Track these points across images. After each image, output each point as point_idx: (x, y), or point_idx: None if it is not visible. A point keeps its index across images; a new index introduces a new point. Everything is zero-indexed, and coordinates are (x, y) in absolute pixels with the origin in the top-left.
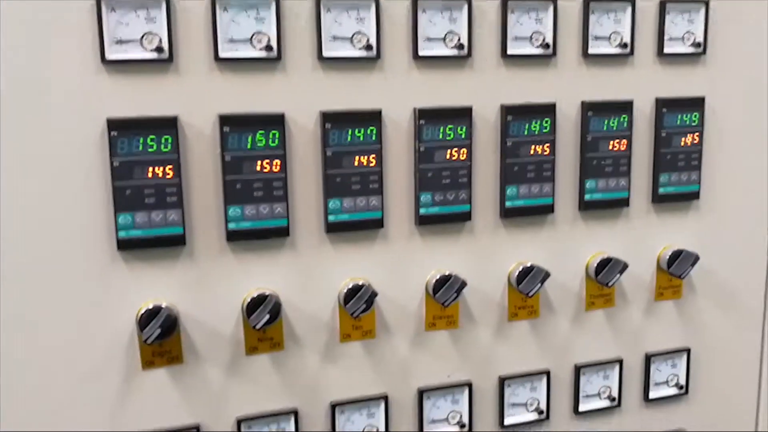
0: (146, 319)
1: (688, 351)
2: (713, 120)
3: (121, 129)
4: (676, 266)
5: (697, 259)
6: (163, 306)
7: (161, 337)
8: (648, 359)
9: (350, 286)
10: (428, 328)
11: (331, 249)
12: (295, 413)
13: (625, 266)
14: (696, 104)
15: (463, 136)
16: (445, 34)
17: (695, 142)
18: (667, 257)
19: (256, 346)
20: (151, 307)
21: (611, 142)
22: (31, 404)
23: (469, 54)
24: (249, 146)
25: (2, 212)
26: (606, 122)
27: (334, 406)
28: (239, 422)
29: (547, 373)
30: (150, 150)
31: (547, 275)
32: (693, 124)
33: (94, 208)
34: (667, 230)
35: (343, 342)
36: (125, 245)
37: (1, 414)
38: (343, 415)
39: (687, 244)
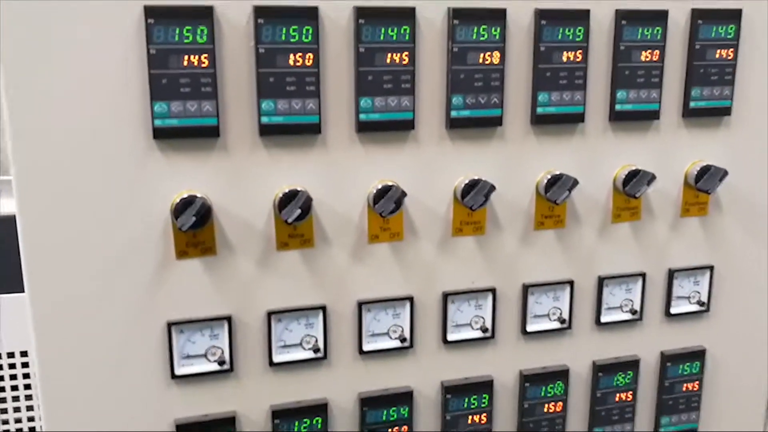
0: (181, 207)
1: (712, 268)
2: (750, 34)
3: (157, 17)
4: (704, 182)
5: (725, 174)
6: (197, 195)
7: (195, 226)
8: (671, 275)
9: (379, 187)
10: (455, 234)
11: (361, 149)
12: (323, 309)
13: (653, 178)
14: (733, 16)
15: (497, 37)
16: None
17: (729, 57)
18: (695, 172)
19: (287, 242)
20: (185, 196)
21: (644, 53)
22: (63, 291)
23: None
24: (283, 38)
25: (41, 98)
26: (640, 31)
27: (360, 305)
28: (269, 315)
29: (571, 283)
30: (186, 40)
31: (575, 183)
32: (729, 37)
33: (131, 96)
34: (697, 145)
35: (371, 243)
36: (161, 134)
37: (32, 298)
38: (369, 314)
39: (716, 160)
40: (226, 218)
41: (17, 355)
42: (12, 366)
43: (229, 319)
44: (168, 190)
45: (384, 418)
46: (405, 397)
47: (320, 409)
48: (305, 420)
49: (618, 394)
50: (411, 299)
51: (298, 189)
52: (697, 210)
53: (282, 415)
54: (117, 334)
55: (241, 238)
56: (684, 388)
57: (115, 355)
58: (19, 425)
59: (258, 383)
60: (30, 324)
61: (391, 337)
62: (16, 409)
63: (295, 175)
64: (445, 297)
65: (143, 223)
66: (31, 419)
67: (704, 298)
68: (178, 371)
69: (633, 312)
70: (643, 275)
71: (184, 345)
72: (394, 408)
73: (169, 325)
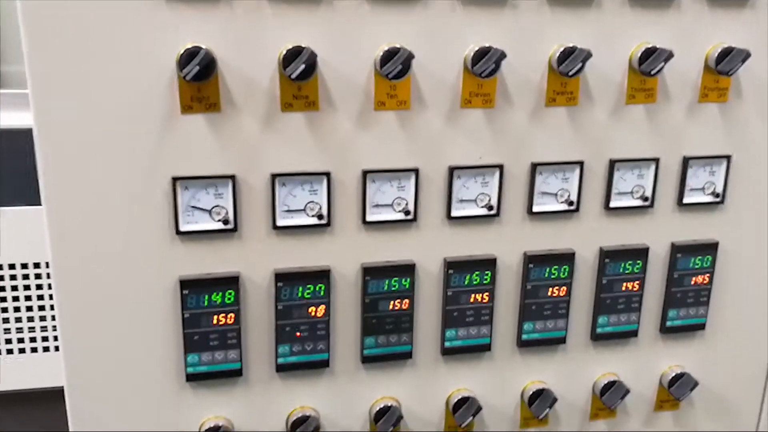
0: (186, 58)
1: (728, 158)
2: None
3: None
4: (725, 63)
5: (747, 56)
6: (202, 47)
7: (200, 77)
8: (685, 162)
9: (387, 49)
10: (464, 105)
11: (368, 10)
12: (328, 175)
13: (670, 55)
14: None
15: None
16: None
17: None
18: (716, 54)
19: (292, 102)
20: (190, 47)
21: None
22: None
23: None
24: None
25: None
26: None
27: (365, 174)
28: (273, 177)
29: (581, 164)
30: None
31: (588, 55)
32: None
33: None
34: (719, 26)
35: (377, 110)
36: None
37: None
38: (374, 184)
39: (739, 43)
40: (231, 74)
41: (18, 267)
42: (13, 278)
43: (233, 178)
44: (174, 42)
45: (386, 288)
46: (407, 270)
47: (323, 275)
48: (308, 286)
49: (625, 283)
50: (416, 171)
51: (303, 45)
52: (716, 95)
53: (285, 279)
54: (122, 190)
55: (246, 96)
56: (693, 282)
57: (121, 210)
58: (20, 335)
59: (261, 246)
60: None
61: (395, 210)
62: (18, 320)
63: (301, 34)
64: (451, 171)
65: (149, 75)
66: (31, 329)
67: (719, 189)
68: (183, 227)
69: (644, 199)
70: (656, 161)
71: (189, 202)
72: (396, 279)
73: (174, 180)
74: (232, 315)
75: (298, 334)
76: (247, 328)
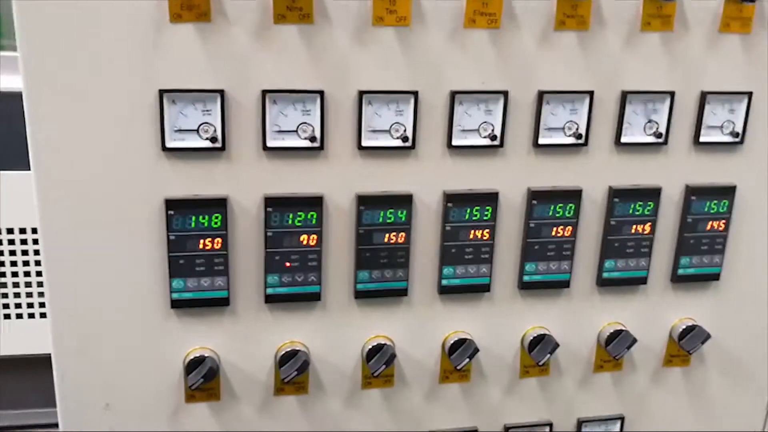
0: None
1: (750, 95)
2: None
3: None
4: None
5: None
6: None
7: None
8: (703, 98)
9: None
10: (467, 25)
11: None
12: (321, 95)
13: None
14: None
15: None
16: None
17: None
18: None
19: (285, 14)
20: None
21: None
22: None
23: None
24: None
25: None
26: None
27: (361, 94)
28: (264, 94)
29: (591, 94)
30: None
31: None
32: None
33: None
34: None
35: (375, 25)
36: None
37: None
38: (370, 107)
39: None
40: None
41: (16, 231)
42: (11, 242)
43: (222, 93)
44: None
45: (381, 219)
46: (404, 201)
47: (315, 202)
48: (300, 213)
49: (635, 226)
50: (415, 95)
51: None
52: (739, 26)
53: (275, 204)
54: (107, 105)
55: (237, 5)
56: (708, 227)
57: (106, 127)
58: (18, 300)
59: (251, 168)
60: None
61: (392, 136)
62: (15, 284)
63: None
64: (452, 96)
65: None
66: (29, 295)
67: (738, 129)
68: (169, 144)
69: (657, 135)
70: (671, 94)
71: (177, 118)
72: (392, 210)
73: (161, 93)
74: (219, 240)
75: (288, 263)
76: (235, 255)
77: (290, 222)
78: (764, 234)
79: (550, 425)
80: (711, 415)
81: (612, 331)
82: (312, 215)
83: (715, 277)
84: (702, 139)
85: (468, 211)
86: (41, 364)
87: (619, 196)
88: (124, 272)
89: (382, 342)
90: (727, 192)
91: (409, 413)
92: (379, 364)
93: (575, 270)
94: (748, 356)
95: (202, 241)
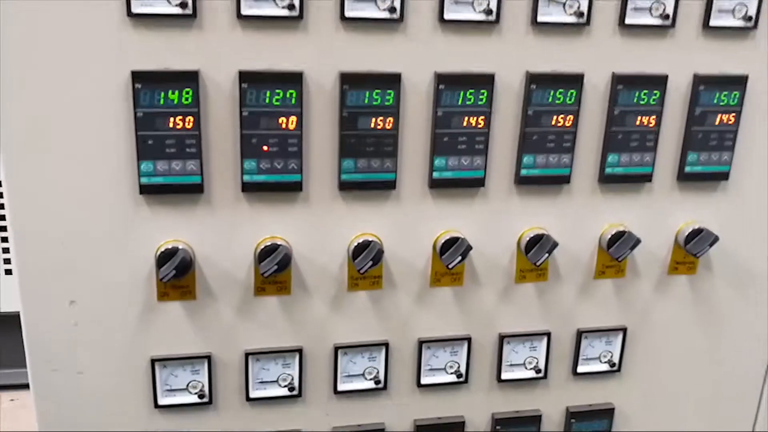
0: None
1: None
2: None
3: None
4: None
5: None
6: None
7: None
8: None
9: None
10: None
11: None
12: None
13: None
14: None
15: None
16: None
17: None
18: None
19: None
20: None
21: None
22: None
23: None
24: None
25: None
26: None
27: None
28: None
29: (548, 335)
30: None
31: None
32: None
33: None
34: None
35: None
36: None
37: None
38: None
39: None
40: None
41: None
42: None
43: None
44: None
45: (366, 101)
46: (392, 81)
47: (294, 79)
48: (278, 90)
49: (639, 117)
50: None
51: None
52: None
53: (251, 80)
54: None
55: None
56: (717, 121)
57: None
58: None
59: (225, 39)
60: None
61: (378, 7)
62: None
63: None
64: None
65: None
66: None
67: (752, 12)
68: (135, 9)
69: (664, 17)
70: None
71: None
72: (378, 91)
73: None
74: (191, 118)
75: (265, 147)
76: (209, 137)
77: (267, 101)
78: None
79: (548, 335)
80: (717, 327)
81: (614, 232)
82: (291, 94)
83: (724, 176)
84: (712, 23)
85: (461, 94)
86: None
87: (623, 83)
88: (89, 156)
89: (369, 239)
90: (739, 82)
91: (398, 318)
92: (365, 261)
93: (576, 164)
94: (757, 263)
95: (172, 119)
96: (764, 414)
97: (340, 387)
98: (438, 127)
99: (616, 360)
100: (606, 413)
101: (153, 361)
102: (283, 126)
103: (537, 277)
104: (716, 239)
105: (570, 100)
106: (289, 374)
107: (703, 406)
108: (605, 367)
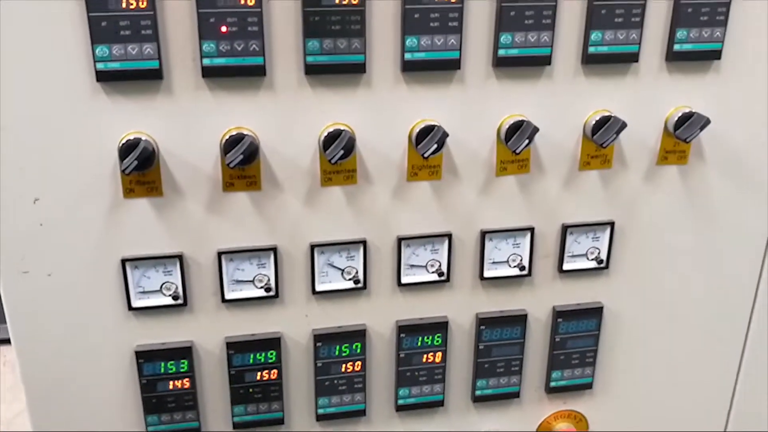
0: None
1: None
2: None
3: None
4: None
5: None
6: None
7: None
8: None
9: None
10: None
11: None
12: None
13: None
14: None
15: None
16: None
17: None
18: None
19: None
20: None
21: None
22: None
23: None
24: None
25: None
26: None
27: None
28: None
29: (532, 230)
30: None
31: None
32: None
33: None
34: None
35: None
36: None
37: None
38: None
39: None
40: None
41: None
42: None
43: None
44: None
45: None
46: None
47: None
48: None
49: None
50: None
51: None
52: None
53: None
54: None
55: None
56: None
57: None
58: None
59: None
60: None
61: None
62: None
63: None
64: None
65: None
66: None
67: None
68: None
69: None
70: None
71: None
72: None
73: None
74: None
75: (224, 29)
76: (165, 19)
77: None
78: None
79: (532, 230)
80: (710, 220)
81: (599, 118)
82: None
83: (716, 54)
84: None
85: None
86: None
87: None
88: (43, 42)
89: (340, 128)
90: None
91: (375, 215)
92: (337, 150)
93: (557, 43)
94: (752, 150)
95: None
96: (760, 310)
97: (318, 287)
98: (408, 2)
99: (603, 257)
100: (594, 312)
101: (123, 262)
102: (242, 1)
103: (518, 168)
104: (707, 122)
105: None
106: (264, 274)
107: (695, 303)
108: (592, 264)
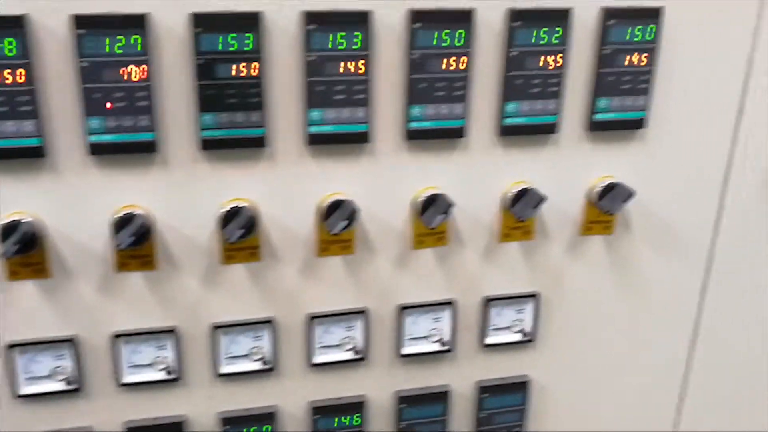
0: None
1: None
2: None
3: None
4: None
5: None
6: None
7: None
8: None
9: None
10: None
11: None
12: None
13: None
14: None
15: None
16: None
17: None
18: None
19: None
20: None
21: None
22: None
23: None
24: None
25: None
26: None
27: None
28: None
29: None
30: None
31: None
32: None
33: None
34: None
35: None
36: None
37: None
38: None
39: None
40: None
41: None
42: None
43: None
44: None
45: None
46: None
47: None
48: (119, 38)
49: (542, 57)
50: (270, 321)
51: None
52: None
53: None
54: None
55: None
56: (627, 62)
57: None
58: None
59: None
60: None
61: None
62: None
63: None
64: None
65: None
66: None
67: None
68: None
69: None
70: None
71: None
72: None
73: None
74: (22, 71)
75: (109, 104)
76: (47, 94)
77: (107, 49)
78: (695, 66)
79: (452, 304)
80: (640, 291)
81: (518, 190)
82: (136, 40)
83: (640, 123)
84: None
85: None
86: None
87: (520, 19)
88: None
89: (240, 205)
90: (653, 15)
91: (284, 292)
92: (235, 229)
93: (471, 115)
94: (679, 219)
95: None
96: (694, 380)
97: (224, 369)
98: (310, 75)
99: (528, 329)
100: (520, 386)
101: (9, 347)
102: (126, 78)
103: (436, 241)
104: (631, 195)
105: (459, 41)
106: (165, 356)
107: (625, 375)
108: (517, 336)
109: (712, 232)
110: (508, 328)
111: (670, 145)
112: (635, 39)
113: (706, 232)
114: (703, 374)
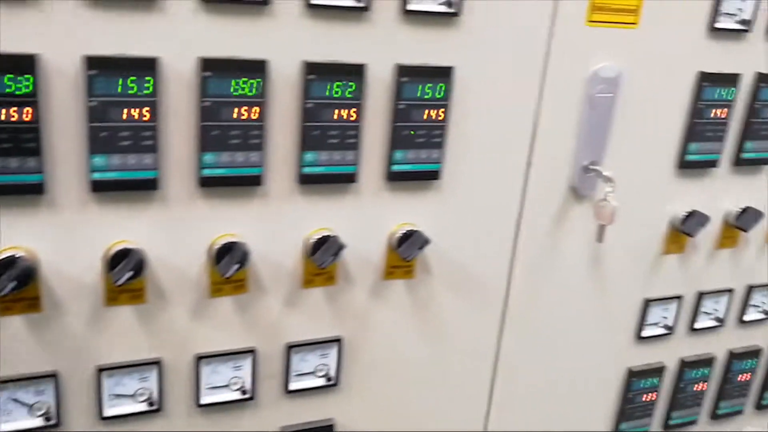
0: None
1: None
2: None
3: None
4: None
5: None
6: None
7: None
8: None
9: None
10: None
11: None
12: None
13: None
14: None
15: None
16: None
17: None
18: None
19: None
20: None
21: None
22: None
23: None
24: None
25: None
26: None
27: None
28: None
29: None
30: None
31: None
32: None
33: None
34: None
35: None
36: None
37: None
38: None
39: None
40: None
41: None
42: None
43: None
44: None
45: None
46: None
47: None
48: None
49: (337, 110)
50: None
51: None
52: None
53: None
54: None
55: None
56: (426, 116)
57: None
58: None
59: None
60: None
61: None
62: None
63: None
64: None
65: None
66: None
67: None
68: None
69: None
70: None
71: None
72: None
73: None
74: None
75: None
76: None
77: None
78: (486, 120)
79: (253, 352)
80: (442, 333)
81: (317, 238)
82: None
83: (435, 175)
84: (411, 6)
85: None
86: None
87: (314, 72)
88: None
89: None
90: (444, 74)
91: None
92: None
93: (268, 164)
94: (475, 265)
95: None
96: (493, 421)
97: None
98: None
99: (333, 373)
100: (325, 431)
101: None
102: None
103: (235, 289)
104: (426, 242)
105: (252, 91)
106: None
107: (430, 415)
108: (321, 381)
109: (507, 276)
110: (312, 373)
111: (464, 194)
112: (426, 96)
113: (501, 275)
114: (505, 410)
